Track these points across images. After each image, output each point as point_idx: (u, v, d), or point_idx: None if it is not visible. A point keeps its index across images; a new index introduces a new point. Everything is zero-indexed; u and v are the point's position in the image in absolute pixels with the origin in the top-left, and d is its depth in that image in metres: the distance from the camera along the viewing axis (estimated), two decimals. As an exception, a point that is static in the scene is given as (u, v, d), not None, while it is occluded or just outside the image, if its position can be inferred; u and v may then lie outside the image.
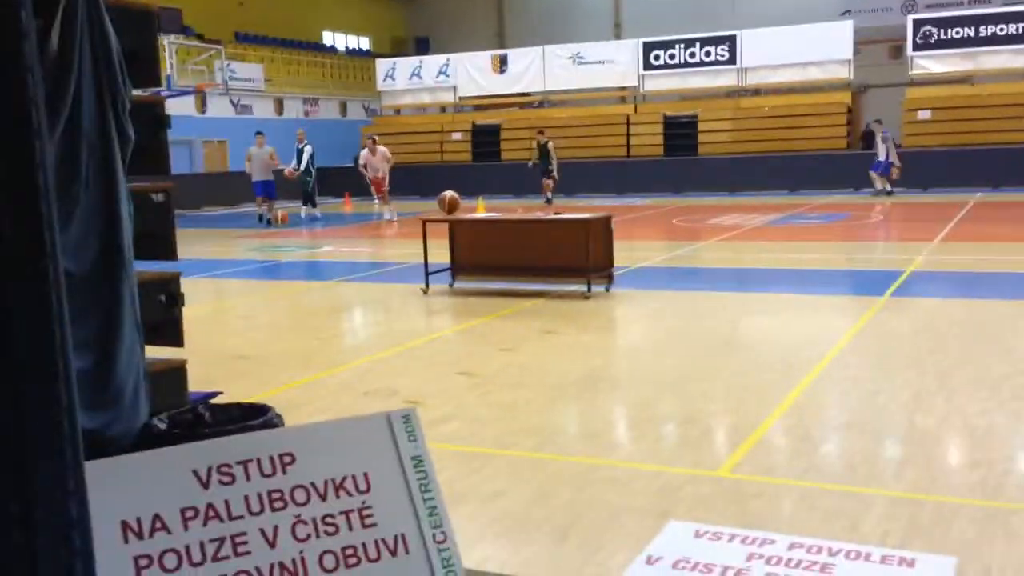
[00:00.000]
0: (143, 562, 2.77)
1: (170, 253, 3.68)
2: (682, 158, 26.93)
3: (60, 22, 3.17)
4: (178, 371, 3.67)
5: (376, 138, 21.50)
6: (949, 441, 4.94)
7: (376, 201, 21.73)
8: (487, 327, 8.35)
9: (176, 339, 3.70)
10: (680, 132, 27.57)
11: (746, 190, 24.86)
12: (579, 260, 9.33)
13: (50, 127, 3.16)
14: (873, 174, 22.55)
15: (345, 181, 25.88)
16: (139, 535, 2.80)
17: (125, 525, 2.79)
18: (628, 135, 28.18)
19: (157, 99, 3.57)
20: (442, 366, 6.90)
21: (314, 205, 20.72)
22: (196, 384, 5.53)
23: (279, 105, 29.69)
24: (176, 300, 3.65)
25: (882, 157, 22.19)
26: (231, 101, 27.41)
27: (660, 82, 28.26)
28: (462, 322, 8.84)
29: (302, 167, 20.26)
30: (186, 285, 11.94)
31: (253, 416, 3.34)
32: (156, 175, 3.65)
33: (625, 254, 12.27)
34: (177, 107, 24.39)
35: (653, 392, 6.06)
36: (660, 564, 3.52)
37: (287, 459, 3.07)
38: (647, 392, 6.09)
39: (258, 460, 3.02)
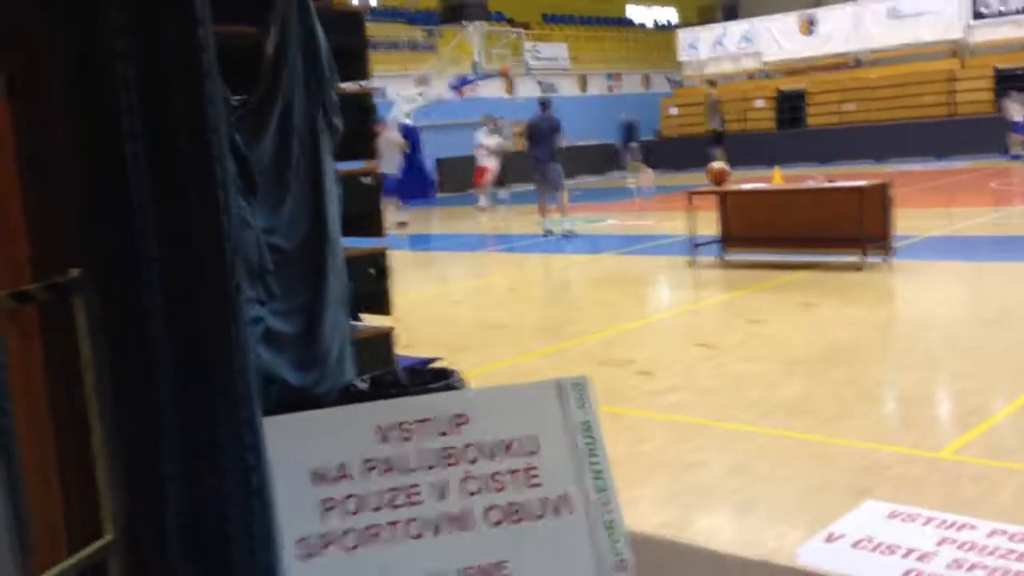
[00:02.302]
0: (328, 504, 3.18)
1: (377, 231, 4.05)
2: (1015, 114, 24.34)
3: (275, 32, 3.63)
4: (385, 337, 4.04)
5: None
6: None
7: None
8: (744, 299, 8.22)
9: (384, 309, 4.07)
10: (1015, 85, 24.89)
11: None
12: (852, 230, 8.89)
13: (264, 123, 3.64)
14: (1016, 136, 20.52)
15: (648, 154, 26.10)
16: (326, 481, 3.22)
17: (315, 472, 3.22)
18: (952, 92, 25.90)
19: (365, 91, 3.96)
20: (685, 337, 6.92)
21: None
22: (446, 349, 6.02)
23: (583, 82, 30.34)
24: (384, 273, 4.02)
25: (1019, 117, 20.22)
26: (538, 82, 28.37)
27: (991, 31, 25.67)
28: (720, 294, 8.75)
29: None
30: (466, 259, 12.58)
31: (440, 379, 3.67)
32: (364, 159, 4.05)
33: (920, 222, 11.48)
34: (489, 90, 25.70)
35: (896, 368, 5.73)
36: (840, 542, 3.42)
37: (461, 420, 3.36)
38: (889, 368, 5.77)
39: (434, 419, 3.34)
